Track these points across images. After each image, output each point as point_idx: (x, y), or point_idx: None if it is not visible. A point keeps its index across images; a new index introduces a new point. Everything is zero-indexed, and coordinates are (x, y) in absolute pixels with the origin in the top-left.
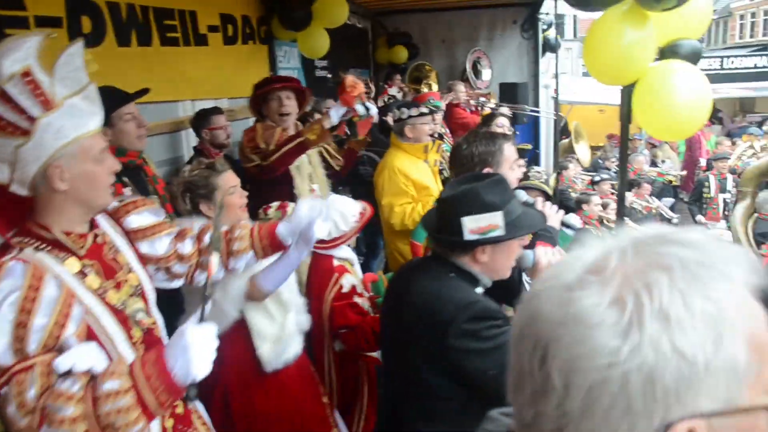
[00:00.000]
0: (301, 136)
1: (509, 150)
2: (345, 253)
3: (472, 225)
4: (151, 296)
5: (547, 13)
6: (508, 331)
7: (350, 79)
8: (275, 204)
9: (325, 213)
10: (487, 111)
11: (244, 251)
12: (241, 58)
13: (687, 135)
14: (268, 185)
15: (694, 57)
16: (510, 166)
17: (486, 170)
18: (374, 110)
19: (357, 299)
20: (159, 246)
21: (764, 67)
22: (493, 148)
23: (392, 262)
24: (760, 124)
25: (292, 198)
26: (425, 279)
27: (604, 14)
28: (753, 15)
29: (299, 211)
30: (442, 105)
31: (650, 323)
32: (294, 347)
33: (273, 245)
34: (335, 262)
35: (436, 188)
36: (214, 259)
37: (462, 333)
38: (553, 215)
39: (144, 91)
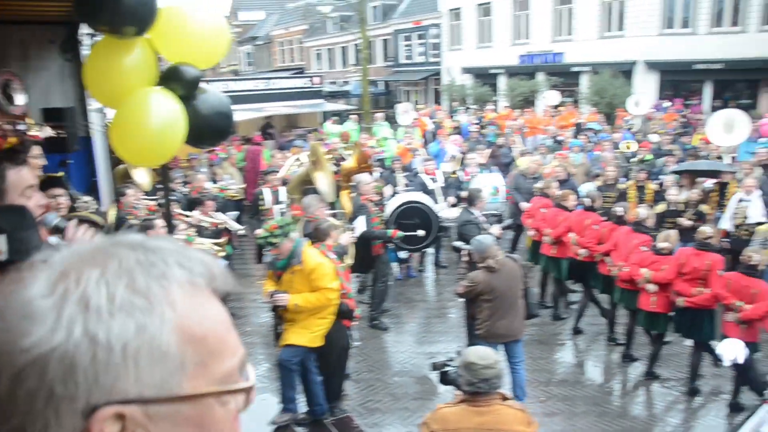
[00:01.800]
0: None
1: (17, 176)
2: None
3: None
4: None
5: (93, 34)
6: None
7: None
8: None
9: None
10: (14, 139)
11: None
12: None
13: (160, 161)
14: None
15: (193, 82)
16: (21, 192)
17: None
18: None
19: None
20: None
21: (303, 87)
22: None
23: None
24: (303, 137)
25: None
26: None
27: (99, 40)
28: (290, 42)
29: None
30: None
31: (69, 310)
32: None
33: None
34: None
35: None
36: None
37: None
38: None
39: None
